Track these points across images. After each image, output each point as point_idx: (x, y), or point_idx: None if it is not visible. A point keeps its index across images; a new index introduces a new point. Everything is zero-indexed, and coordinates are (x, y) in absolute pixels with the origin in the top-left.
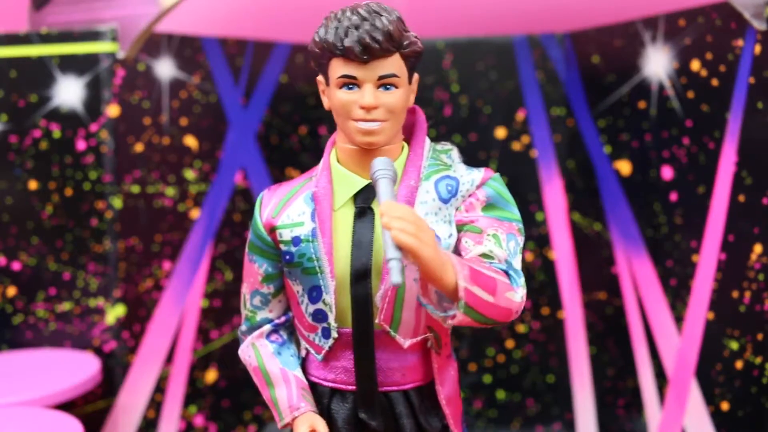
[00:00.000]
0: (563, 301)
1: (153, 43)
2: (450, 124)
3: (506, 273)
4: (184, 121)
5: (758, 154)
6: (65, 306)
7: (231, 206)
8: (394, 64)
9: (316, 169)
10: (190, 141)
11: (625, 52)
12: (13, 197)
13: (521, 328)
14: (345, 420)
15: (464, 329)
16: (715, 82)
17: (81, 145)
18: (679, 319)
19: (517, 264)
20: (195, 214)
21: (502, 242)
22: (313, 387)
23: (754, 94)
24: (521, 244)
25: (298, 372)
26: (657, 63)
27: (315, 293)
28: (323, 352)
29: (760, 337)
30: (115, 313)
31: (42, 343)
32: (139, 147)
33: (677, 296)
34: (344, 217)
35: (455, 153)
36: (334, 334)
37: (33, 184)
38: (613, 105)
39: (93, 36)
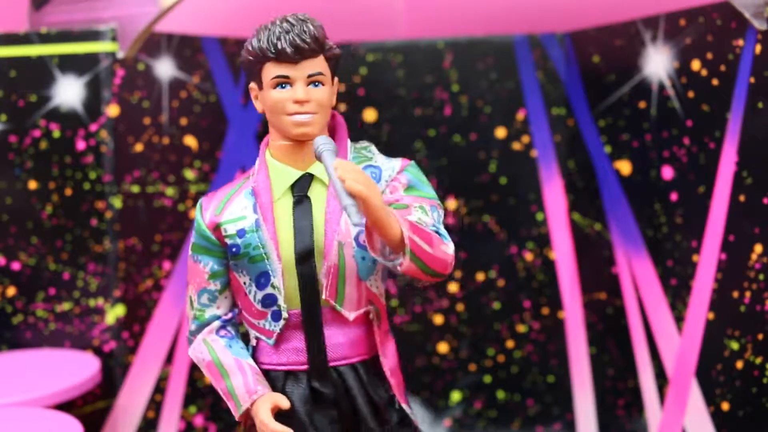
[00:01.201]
0: (563, 301)
1: (153, 43)
2: (450, 124)
3: (437, 232)
4: (183, 121)
5: (759, 154)
6: (65, 306)
7: None
8: (320, 64)
9: (252, 170)
10: (190, 141)
11: (625, 51)
12: (12, 197)
13: (521, 328)
14: (300, 400)
15: (463, 329)
16: (715, 81)
17: (81, 144)
18: (679, 319)
19: (443, 229)
20: (195, 214)
21: (428, 212)
22: (266, 374)
23: (755, 93)
24: (443, 216)
25: (251, 361)
26: (657, 63)
27: (263, 279)
28: (274, 335)
29: (760, 337)
30: (114, 313)
31: (41, 343)
32: (138, 147)
33: (677, 296)
34: (284, 207)
35: (374, 148)
36: (285, 315)
37: (32, 184)
38: (613, 105)
39: (93, 36)
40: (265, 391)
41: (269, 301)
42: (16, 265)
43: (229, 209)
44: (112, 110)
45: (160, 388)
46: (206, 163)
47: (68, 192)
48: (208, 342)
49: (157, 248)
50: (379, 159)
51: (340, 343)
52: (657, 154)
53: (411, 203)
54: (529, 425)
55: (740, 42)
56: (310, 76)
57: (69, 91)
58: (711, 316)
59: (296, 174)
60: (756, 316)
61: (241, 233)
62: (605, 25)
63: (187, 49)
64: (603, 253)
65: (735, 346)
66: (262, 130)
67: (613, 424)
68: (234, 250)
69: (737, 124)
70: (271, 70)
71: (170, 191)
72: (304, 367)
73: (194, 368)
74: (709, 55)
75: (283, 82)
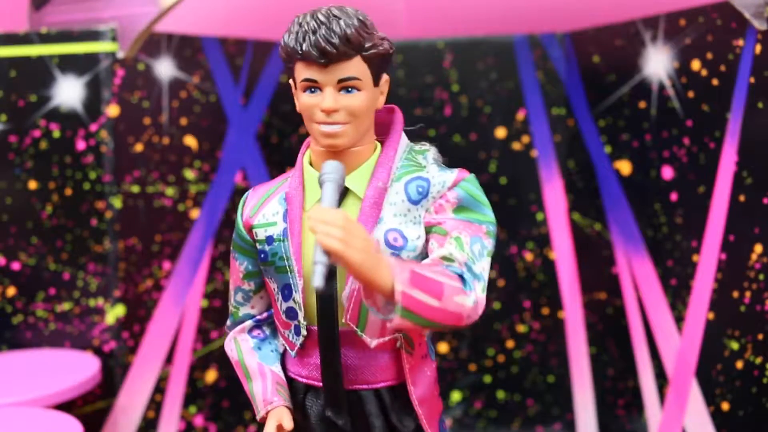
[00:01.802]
0: (563, 301)
1: (153, 43)
2: (450, 124)
3: (460, 277)
4: (183, 121)
5: (759, 153)
6: (65, 306)
7: (231, 206)
8: (354, 67)
9: (292, 171)
10: (190, 141)
11: (625, 51)
12: (12, 197)
13: (521, 328)
14: (318, 416)
15: (463, 329)
16: (715, 81)
17: (81, 144)
18: (679, 319)
19: (479, 267)
20: (195, 214)
21: (465, 245)
22: (290, 381)
23: (755, 93)
24: (489, 248)
25: (276, 367)
26: (657, 63)
27: (287, 291)
28: (296, 348)
29: (760, 337)
30: (114, 313)
31: (42, 343)
32: (138, 147)
33: (677, 296)
34: None
35: (431, 153)
36: (304, 332)
37: (32, 184)
38: (613, 105)
39: (93, 36)
40: (279, 404)
41: (291, 314)
42: (16, 265)
43: (262, 212)
44: (112, 110)
45: (160, 388)
46: (206, 163)
47: (68, 192)
48: (238, 341)
49: (157, 248)
50: (432, 170)
51: (362, 366)
52: (657, 154)
53: (450, 231)
54: (529, 425)
55: (740, 42)
56: (340, 81)
57: (69, 91)
58: (711, 316)
59: None
60: (756, 316)
61: (269, 240)
62: (605, 25)
63: (187, 49)
64: (603, 253)
65: (735, 346)
66: (262, 130)
67: (613, 424)
68: (263, 256)
69: (737, 124)
70: (300, 71)
71: (170, 191)
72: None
73: (194, 368)
74: (709, 55)
75: (311, 86)
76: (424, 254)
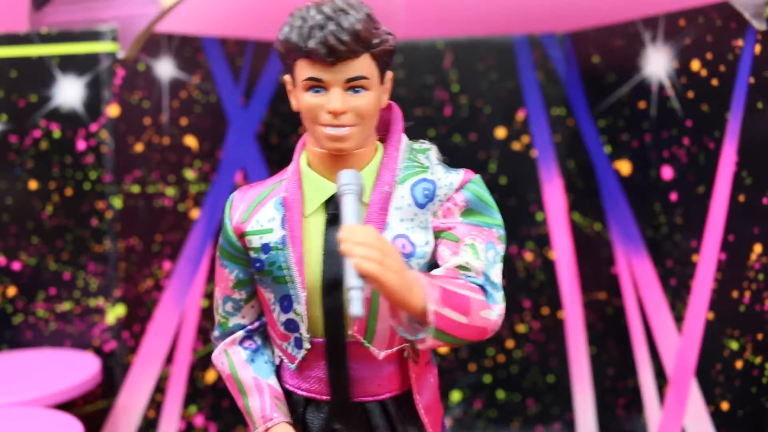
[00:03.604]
0: (563, 301)
1: (153, 43)
2: (450, 124)
3: (482, 288)
4: (184, 121)
5: (758, 154)
6: (65, 306)
7: None
8: (363, 66)
9: (287, 171)
10: (190, 141)
11: (625, 51)
12: (13, 197)
13: (521, 328)
14: (320, 430)
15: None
16: (715, 82)
17: (81, 145)
18: (679, 319)
19: (495, 275)
20: (195, 214)
21: (480, 252)
22: (288, 395)
23: (754, 93)
24: (501, 253)
25: (272, 380)
26: (657, 63)
27: (286, 303)
28: (296, 362)
29: (760, 336)
30: (115, 313)
31: (42, 343)
32: (139, 147)
33: (677, 296)
34: (315, 224)
35: (433, 153)
36: (307, 345)
37: (33, 184)
38: (613, 105)
39: (93, 36)
40: (279, 420)
41: (292, 326)
42: (16, 265)
43: (255, 217)
44: (113, 110)
45: (160, 388)
46: (206, 163)
47: (68, 192)
48: (230, 354)
49: (157, 248)
50: (437, 171)
51: (368, 378)
52: (657, 154)
53: (462, 237)
54: (529, 425)
55: (740, 42)
56: (348, 80)
57: (69, 92)
58: (711, 315)
59: (332, 188)
60: (755, 315)
61: (266, 248)
62: (605, 25)
63: (188, 49)
64: (603, 253)
65: (734, 345)
66: (262, 130)
67: (613, 423)
68: (258, 265)
69: (737, 124)
70: (303, 70)
71: (170, 191)
72: (326, 397)
73: (194, 368)
74: (709, 56)
75: (316, 85)
76: (432, 260)
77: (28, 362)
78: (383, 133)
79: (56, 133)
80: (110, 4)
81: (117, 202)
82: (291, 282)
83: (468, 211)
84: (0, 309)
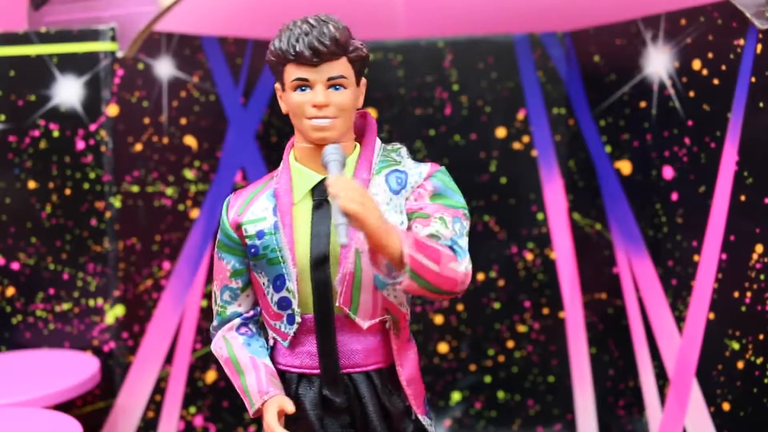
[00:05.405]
0: (564, 301)
1: (152, 43)
2: (450, 124)
3: (451, 248)
4: (183, 121)
5: (759, 153)
6: (64, 306)
7: None
8: (342, 67)
9: (277, 171)
10: (190, 140)
11: (626, 51)
12: (11, 197)
13: (522, 329)
14: (312, 402)
15: (463, 329)
16: (716, 81)
17: (80, 144)
18: (680, 320)
19: (463, 243)
20: (195, 213)
21: (448, 224)
22: (281, 375)
23: (756, 93)
24: (467, 227)
25: (267, 360)
26: (658, 62)
27: (279, 282)
28: (288, 338)
29: (761, 337)
30: (114, 313)
31: (41, 343)
32: (138, 147)
33: (678, 296)
34: (303, 210)
35: (404, 151)
36: (298, 319)
37: (32, 184)
38: (613, 104)
39: (92, 35)
40: (276, 393)
41: (284, 304)
42: (15, 265)
43: (250, 209)
44: (112, 110)
45: (160, 388)
46: (206, 163)
47: (68, 192)
48: (227, 339)
49: (156, 248)
50: (408, 163)
51: (354, 350)
52: (657, 154)
53: (432, 213)
54: (529, 425)
55: (741, 41)
56: (330, 79)
57: (68, 91)
58: (712, 316)
59: (317, 177)
60: (757, 316)
61: (260, 234)
62: (606, 24)
63: (187, 48)
64: (603, 253)
65: (736, 346)
66: (261, 130)
67: (614, 424)
68: (253, 251)
69: (738, 124)
70: (291, 72)
71: (170, 191)
72: (317, 371)
73: (194, 368)
74: (710, 55)
75: (302, 84)
76: None
77: (27, 362)
78: (359, 137)
79: (55, 132)
80: (109, 4)
81: (116, 202)
82: (283, 262)
83: (436, 195)
84: None
